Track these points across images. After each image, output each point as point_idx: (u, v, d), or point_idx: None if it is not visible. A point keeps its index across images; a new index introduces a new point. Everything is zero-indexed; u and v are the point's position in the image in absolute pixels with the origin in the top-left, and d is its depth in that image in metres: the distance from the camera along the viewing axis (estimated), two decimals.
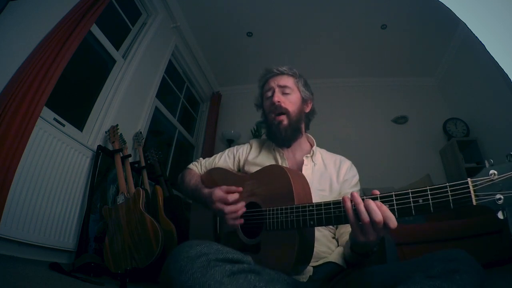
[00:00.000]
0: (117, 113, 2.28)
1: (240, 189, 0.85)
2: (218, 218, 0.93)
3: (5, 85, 1.44)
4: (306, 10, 3.00)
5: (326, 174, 0.98)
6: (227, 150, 1.15)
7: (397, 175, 3.26)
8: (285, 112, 0.99)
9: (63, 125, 1.85)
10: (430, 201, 0.52)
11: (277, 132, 0.99)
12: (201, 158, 1.18)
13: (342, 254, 0.86)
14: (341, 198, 0.92)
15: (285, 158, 1.02)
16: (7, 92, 1.40)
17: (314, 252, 0.75)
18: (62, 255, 1.73)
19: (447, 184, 0.51)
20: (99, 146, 1.99)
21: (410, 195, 0.54)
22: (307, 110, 1.07)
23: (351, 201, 0.61)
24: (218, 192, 0.82)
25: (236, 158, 1.10)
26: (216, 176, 1.02)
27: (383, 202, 0.57)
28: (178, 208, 2.04)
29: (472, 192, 0.49)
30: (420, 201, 0.53)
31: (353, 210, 0.60)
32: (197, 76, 3.84)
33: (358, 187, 0.99)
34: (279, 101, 0.99)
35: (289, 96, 1.02)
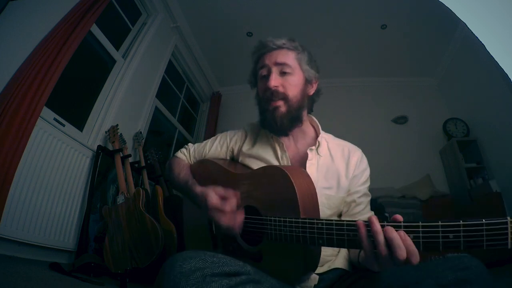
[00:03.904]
0: (117, 113, 2.28)
1: (238, 193, 0.73)
2: None
3: (5, 85, 1.44)
4: (306, 10, 3.00)
5: (333, 167, 0.85)
6: (218, 137, 1.01)
7: (397, 175, 3.26)
8: (283, 98, 0.83)
9: (63, 125, 1.85)
10: (462, 238, 0.46)
11: (272, 120, 0.83)
12: (190, 144, 1.06)
13: (348, 258, 0.80)
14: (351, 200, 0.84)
15: (286, 150, 0.86)
16: (7, 92, 1.40)
17: None
18: (62, 255, 1.73)
19: (484, 221, 0.45)
20: (99, 146, 1.99)
21: (440, 228, 0.47)
22: (311, 92, 0.90)
23: (367, 226, 0.51)
24: (213, 197, 0.70)
25: (230, 148, 0.97)
26: (208, 170, 0.93)
27: (407, 231, 0.49)
28: (178, 208, 2.04)
29: (509, 234, 0.43)
30: (451, 236, 0.47)
31: (370, 239, 0.51)
32: (197, 76, 3.84)
33: (368, 184, 0.87)
34: (276, 86, 0.82)
35: (289, 77, 0.84)
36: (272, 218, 0.67)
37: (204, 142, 1.02)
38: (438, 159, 3.45)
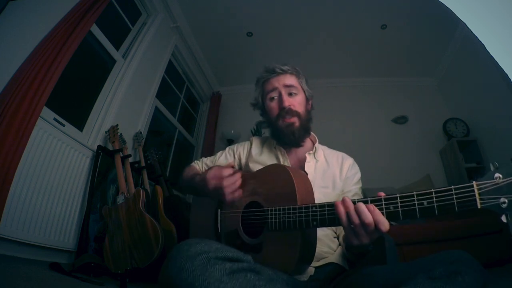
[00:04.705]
0: (117, 113, 2.28)
1: (239, 174, 0.82)
2: (219, 217, 0.93)
3: (5, 85, 1.44)
4: (306, 10, 3.00)
5: (329, 171, 0.97)
6: (227, 148, 1.15)
7: (397, 175, 3.26)
8: (296, 115, 0.97)
9: (63, 125, 1.85)
10: (435, 204, 0.52)
11: (290, 134, 0.97)
12: (203, 158, 1.18)
13: (344, 255, 0.86)
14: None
15: (287, 156, 1.01)
16: (7, 92, 1.40)
17: (316, 252, 0.75)
18: (62, 255, 1.73)
19: (452, 187, 0.51)
20: (99, 146, 1.99)
21: (415, 197, 0.54)
22: (310, 108, 1.06)
23: (343, 204, 0.61)
24: (212, 170, 0.82)
25: (237, 156, 1.10)
26: None
27: (387, 203, 0.57)
28: (178, 208, 2.04)
29: (477, 195, 0.49)
30: (425, 203, 0.53)
31: (346, 213, 0.60)
32: (197, 76, 3.84)
33: (359, 185, 0.98)
34: (289, 105, 0.96)
35: (296, 97, 1.00)
36: (272, 208, 0.74)
37: (215, 154, 1.16)
38: (438, 159, 3.45)
